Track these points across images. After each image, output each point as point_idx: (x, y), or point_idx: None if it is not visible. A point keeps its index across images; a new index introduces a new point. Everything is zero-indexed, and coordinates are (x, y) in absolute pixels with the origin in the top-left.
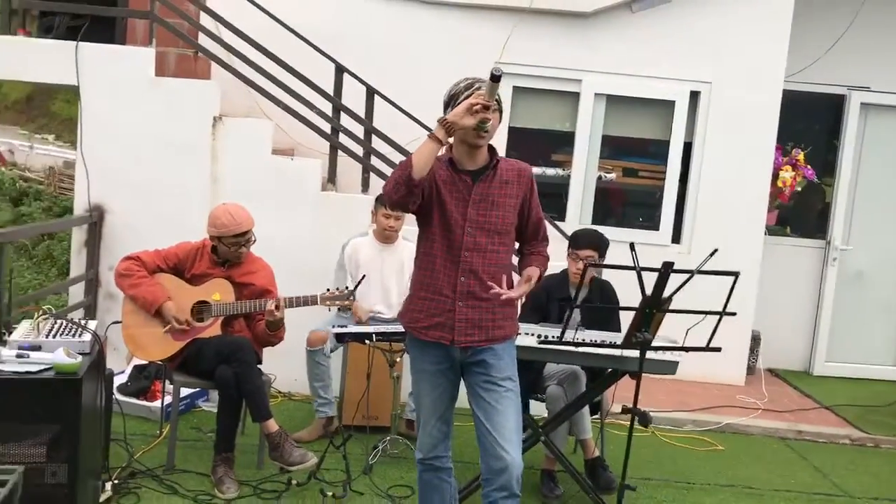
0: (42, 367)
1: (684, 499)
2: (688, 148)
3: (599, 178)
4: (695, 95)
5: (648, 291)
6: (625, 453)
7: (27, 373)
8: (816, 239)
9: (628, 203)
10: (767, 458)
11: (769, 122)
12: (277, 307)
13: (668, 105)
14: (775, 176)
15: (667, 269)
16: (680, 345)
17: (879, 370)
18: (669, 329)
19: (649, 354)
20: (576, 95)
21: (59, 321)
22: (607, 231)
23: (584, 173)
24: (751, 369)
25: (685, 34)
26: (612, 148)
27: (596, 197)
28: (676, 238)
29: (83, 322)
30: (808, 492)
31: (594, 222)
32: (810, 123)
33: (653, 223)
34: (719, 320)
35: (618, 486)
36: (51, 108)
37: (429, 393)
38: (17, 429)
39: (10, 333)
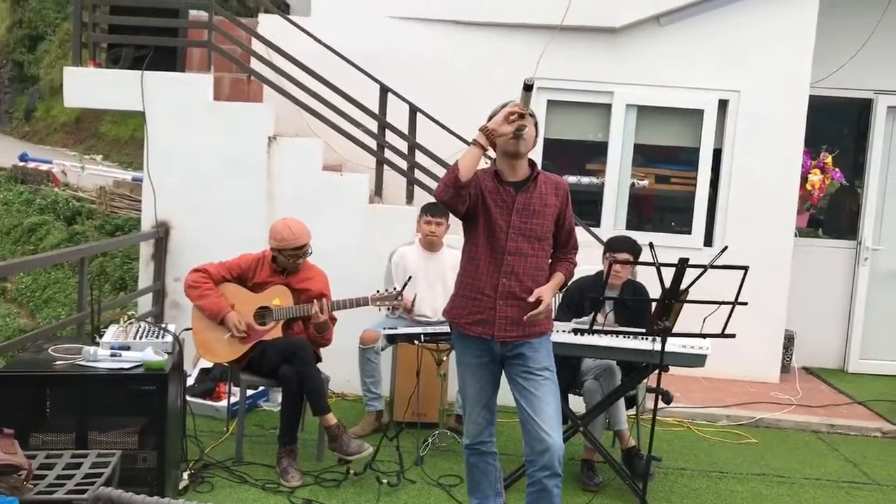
0: (133, 363)
1: (717, 487)
2: (717, 154)
3: (632, 185)
4: (723, 104)
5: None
6: (650, 428)
7: (120, 369)
8: (847, 240)
9: (661, 208)
10: (799, 450)
11: (796, 127)
12: (321, 309)
13: (698, 113)
14: (804, 179)
15: (682, 265)
16: (698, 333)
17: None
18: (695, 324)
19: (678, 348)
20: (608, 107)
21: (142, 325)
22: (641, 235)
23: (617, 181)
24: (786, 368)
25: (712, 45)
26: (644, 156)
27: (630, 203)
28: (709, 241)
29: (164, 325)
30: (837, 480)
31: (628, 228)
32: (839, 127)
33: (686, 227)
34: (732, 310)
35: (653, 474)
36: (99, 130)
37: (473, 384)
38: (112, 419)
39: (102, 336)
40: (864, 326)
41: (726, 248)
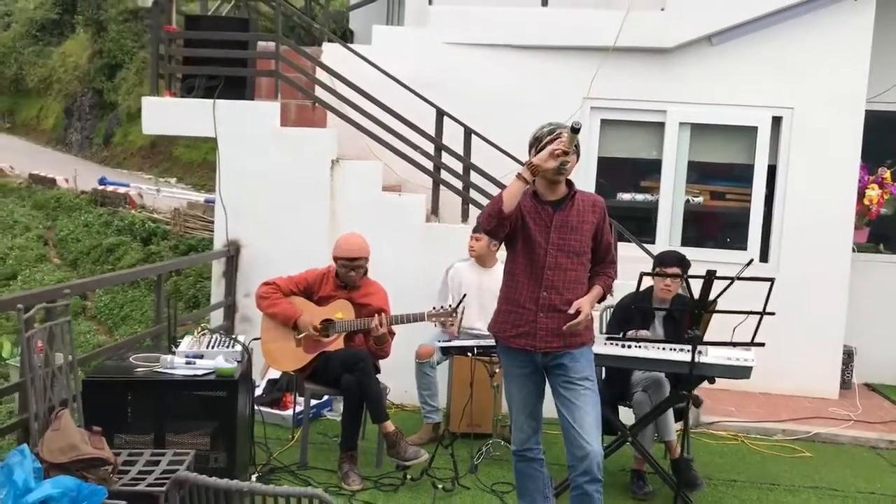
0: (206, 371)
1: (767, 498)
2: (772, 170)
3: (687, 201)
4: (777, 120)
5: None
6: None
7: (194, 376)
8: None
9: (716, 224)
10: (856, 465)
11: (852, 142)
12: (381, 323)
13: (751, 130)
14: (862, 195)
15: (710, 276)
16: (728, 342)
17: None
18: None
19: (723, 360)
20: (661, 125)
21: (214, 336)
22: (697, 251)
23: (671, 198)
24: (846, 384)
25: (764, 62)
26: (699, 173)
27: (685, 220)
28: (764, 257)
29: (234, 336)
30: (893, 494)
31: (683, 245)
32: None
33: (741, 243)
34: (760, 320)
35: (699, 482)
36: (173, 154)
37: (517, 393)
38: (187, 423)
39: (178, 346)
40: None
41: (752, 260)
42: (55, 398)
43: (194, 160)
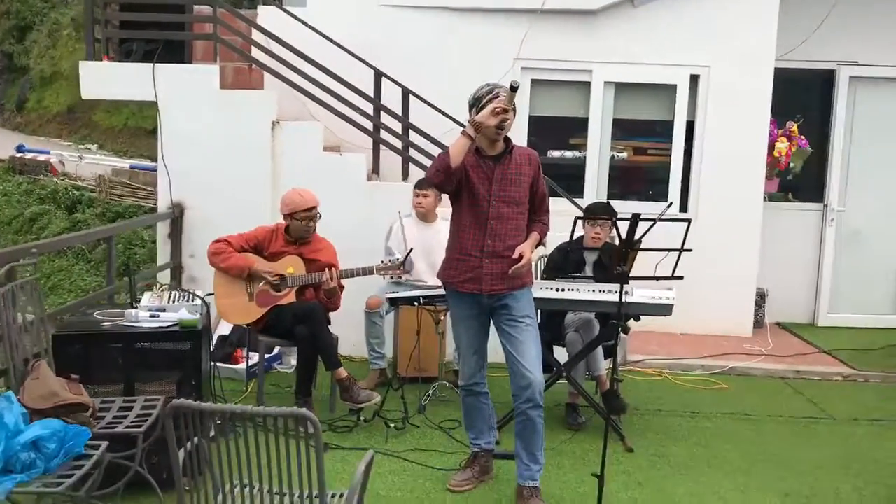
0: (170, 323)
1: (689, 424)
2: (690, 126)
3: (612, 157)
4: (694, 79)
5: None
6: (613, 353)
7: (159, 328)
8: (814, 202)
9: (640, 178)
10: (766, 393)
11: (763, 98)
12: (332, 277)
13: (671, 88)
14: (772, 148)
15: (635, 218)
16: (652, 276)
17: (878, 319)
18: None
19: (647, 299)
20: (587, 85)
21: (172, 292)
22: (622, 204)
23: (598, 154)
24: (759, 323)
25: (683, 23)
26: (623, 130)
27: (610, 174)
28: (684, 207)
29: (193, 291)
30: (798, 416)
31: (609, 198)
32: (804, 97)
33: (663, 195)
34: (679, 257)
35: (626, 406)
36: (92, 119)
37: (465, 333)
38: (153, 372)
39: (139, 302)
40: (831, 283)
41: (671, 203)
42: (28, 352)
43: (115, 126)
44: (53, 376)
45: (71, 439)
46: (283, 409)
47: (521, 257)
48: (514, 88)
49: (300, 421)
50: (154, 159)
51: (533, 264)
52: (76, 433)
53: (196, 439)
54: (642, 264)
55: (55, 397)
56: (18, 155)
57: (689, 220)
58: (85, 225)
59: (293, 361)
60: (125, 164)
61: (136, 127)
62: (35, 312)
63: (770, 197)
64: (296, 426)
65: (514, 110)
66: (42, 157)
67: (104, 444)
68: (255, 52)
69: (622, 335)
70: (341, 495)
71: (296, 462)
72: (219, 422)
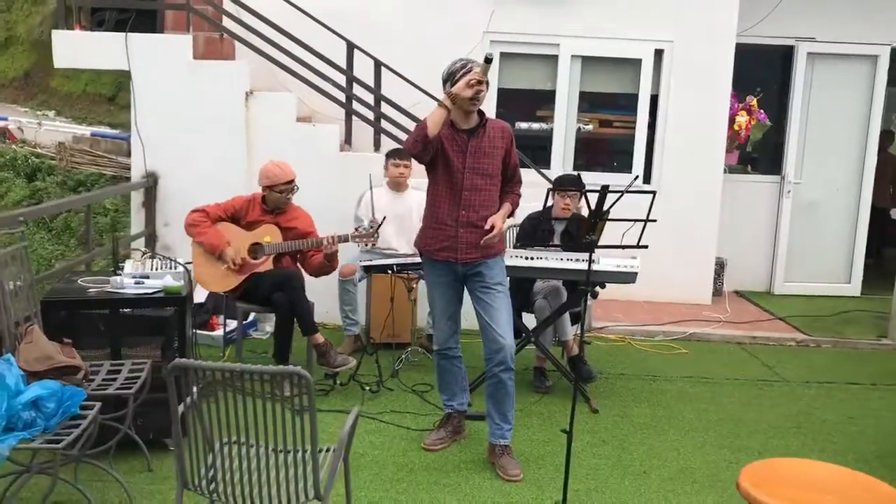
0: (155, 289)
1: (650, 387)
2: (655, 100)
3: (578, 129)
4: (659, 53)
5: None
6: (579, 331)
7: (144, 294)
8: (772, 175)
9: (605, 150)
10: (724, 358)
11: (724, 73)
12: (333, 241)
13: (636, 63)
14: (732, 121)
15: (604, 190)
16: (618, 245)
17: (831, 287)
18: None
19: (612, 267)
20: (554, 58)
21: (154, 259)
22: (588, 175)
23: (564, 126)
24: (718, 291)
25: (648, 0)
26: (589, 102)
27: (576, 146)
28: (647, 179)
29: (175, 259)
30: (753, 379)
31: (575, 168)
32: (764, 72)
33: (627, 167)
34: (644, 227)
35: (594, 375)
36: (50, 85)
37: (440, 298)
38: (139, 337)
39: (122, 269)
40: (787, 252)
41: (637, 176)
42: (20, 317)
43: (74, 92)
44: (46, 340)
45: (67, 399)
46: (279, 367)
47: (492, 228)
48: (488, 61)
49: (293, 378)
50: (114, 126)
51: (506, 234)
52: (72, 394)
53: (192, 397)
54: (609, 234)
55: (49, 360)
56: None
57: (654, 192)
58: (45, 193)
59: (268, 328)
60: (86, 131)
61: (94, 93)
62: (24, 279)
63: (730, 169)
64: (290, 385)
65: (488, 83)
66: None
67: (98, 404)
68: (227, 22)
69: (590, 300)
70: (329, 450)
71: (285, 419)
72: (209, 381)
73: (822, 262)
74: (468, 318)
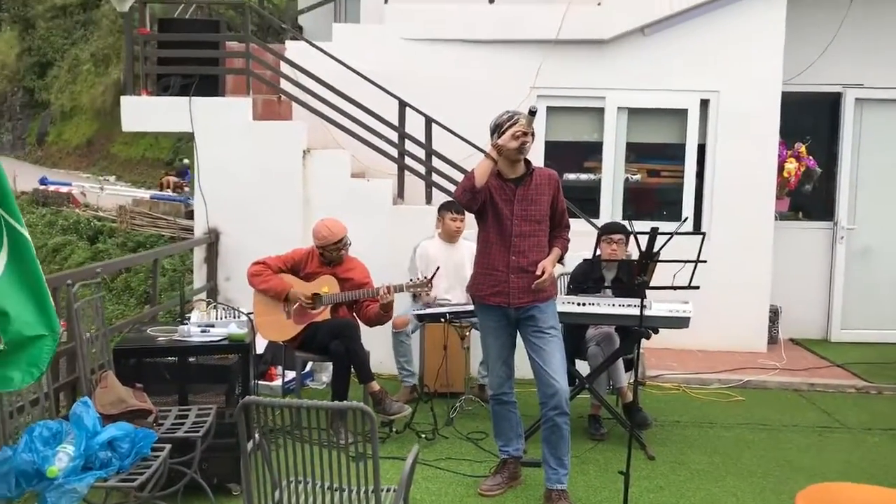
0: (220, 337)
1: (707, 434)
2: (702, 149)
3: (626, 179)
4: (705, 103)
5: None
6: (635, 360)
7: (210, 342)
8: (825, 221)
9: (653, 200)
10: (781, 405)
11: (771, 121)
12: (389, 290)
13: (682, 113)
14: (781, 168)
15: (654, 232)
16: (670, 286)
17: (890, 334)
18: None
19: (664, 312)
20: (601, 110)
21: (218, 309)
22: (637, 225)
23: (612, 177)
24: (773, 339)
25: (692, 50)
26: (636, 153)
27: (624, 196)
28: (697, 227)
29: (238, 308)
30: (812, 426)
31: (624, 219)
32: (813, 119)
33: (676, 216)
34: (695, 268)
35: (649, 421)
36: (110, 151)
37: (493, 343)
38: (205, 384)
39: (189, 319)
40: (843, 299)
41: (686, 218)
42: (95, 364)
43: (133, 157)
44: (120, 385)
45: (140, 441)
46: (342, 402)
47: (543, 272)
48: (532, 113)
49: (356, 413)
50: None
51: (555, 279)
52: (144, 435)
53: (259, 433)
54: (659, 278)
55: (123, 403)
56: (41, 187)
57: (703, 234)
58: (106, 255)
59: (325, 378)
60: (146, 194)
61: (153, 158)
62: (99, 328)
63: (781, 216)
64: (355, 422)
65: (533, 134)
66: (64, 189)
67: (168, 446)
68: (284, 84)
69: (644, 341)
70: (390, 490)
71: (347, 458)
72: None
73: (879, 308)
74: (522, 367)
